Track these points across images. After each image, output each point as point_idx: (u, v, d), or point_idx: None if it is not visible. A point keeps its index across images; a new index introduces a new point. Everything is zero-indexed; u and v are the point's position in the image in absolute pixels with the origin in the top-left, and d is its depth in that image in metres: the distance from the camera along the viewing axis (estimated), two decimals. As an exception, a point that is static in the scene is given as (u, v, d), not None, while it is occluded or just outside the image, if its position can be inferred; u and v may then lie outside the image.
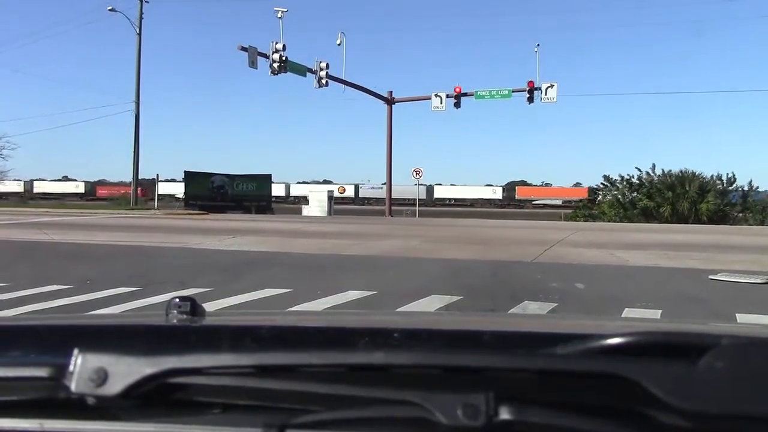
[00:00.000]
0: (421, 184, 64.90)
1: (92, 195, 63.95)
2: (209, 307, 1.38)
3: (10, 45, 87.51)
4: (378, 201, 58.95)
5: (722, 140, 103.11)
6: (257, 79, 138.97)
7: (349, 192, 63.98)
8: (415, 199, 58.05)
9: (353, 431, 0.70)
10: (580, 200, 38.80)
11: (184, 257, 10.48)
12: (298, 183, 66.84)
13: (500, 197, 63.64)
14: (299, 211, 31.49)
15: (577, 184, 61.88)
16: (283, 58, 25.37)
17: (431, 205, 57.46)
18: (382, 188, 64.08)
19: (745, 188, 26.66)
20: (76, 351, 0.74)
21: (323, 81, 27.33)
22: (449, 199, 63.58)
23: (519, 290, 7.09)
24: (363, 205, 57.29)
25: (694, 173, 26.63)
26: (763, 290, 7.46)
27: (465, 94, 28.93)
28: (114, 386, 0.71)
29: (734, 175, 26.73)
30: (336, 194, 61.70)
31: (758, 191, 27.10)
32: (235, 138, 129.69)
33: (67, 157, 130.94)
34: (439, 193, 65.10)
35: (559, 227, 19.84)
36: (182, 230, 15.57)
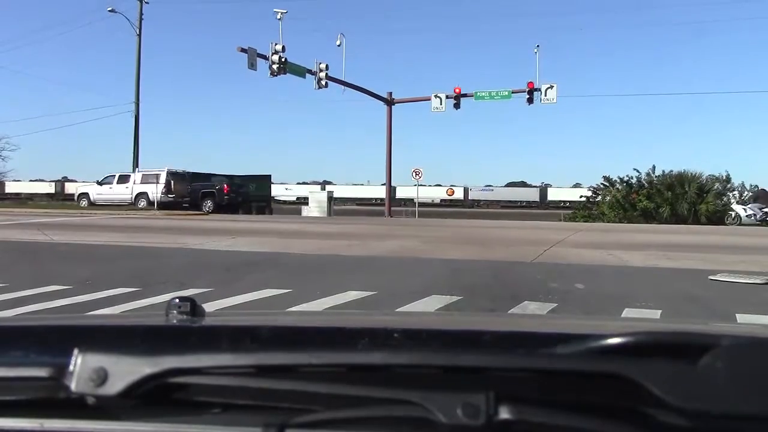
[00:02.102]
0: (533, 186, 63.22)
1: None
2: (209, 307, 1.38)
3: (10, 45, 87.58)
4: (489, 203, 57.51)
5: (722, 141, 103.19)
6: (257, 80, 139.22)
7: (458, 194, 61.89)
8: (527, 201, 55.77)
9: (353, 431, 0.70)
10: None
11: (183, 258, 10.48)
12: (298, 183, 66.54)
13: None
14: (299, 212, 31.50)
15: (577, 185, 61.72)
16: (283, 60, 25.39)
17: (544, 207, 55.08)
18: (493, 190, 62.11)
19: (740, 188, 26.73)
20: (76, 351, 0.74)
21: (323, 82, 27.35)
22: (563, 202, 59.05)
23: (519, 290, 7.09)
24: (472, 207, 54.66)
25: (692, 174, 26.67)
26: (762, 290, 7.46)
27: (465, 95, 28.96)
28: (114, 386, 0.71)
29: (728, 175, 26.82)
30: (444, 196, 60.50)
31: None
32: (234, 139, 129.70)
33: (67, 158, 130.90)
34: (553, 195, 62.10)
35: (558, 228, 19.85)
36: (182, 231, 15.57)
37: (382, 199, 58.95)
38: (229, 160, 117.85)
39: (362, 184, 67.28)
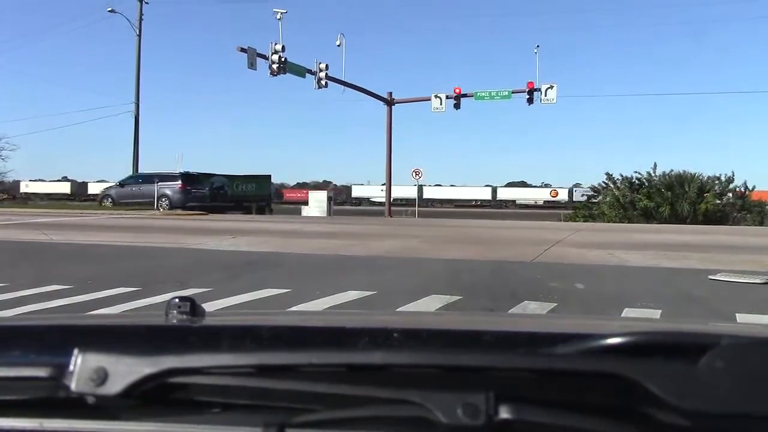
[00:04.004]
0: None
1: (278, 199, 63.08)
2: (209, 307, 1.38)
3: (10, 45, 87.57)
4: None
5: (722, 141, 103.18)
6: (257, 80, 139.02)
7: (563, 195, 59.95)
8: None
9: (353, 430, 0.70)
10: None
11: (183, 257, 10.48)
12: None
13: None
14: (299, 212, 31.50)
15: (577, 185, 61.68)
16: (283, 59, 25.38)
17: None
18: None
19: (742, 188, 26.67)
20: (76, 351, 0.74)
21: (323, 82, 27.34)
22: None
23: (519, 290, 7.09)
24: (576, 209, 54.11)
25: (692, 174, 26.67)
26: (762, 290, 7.46)
27: (465, 95, 28.95)
28: (114, 386, 0.71)
29: (733, 175, 26.78)
30: (548, 198, 59.20)
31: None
32: (234, 138, 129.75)
33: (67, 158, 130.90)
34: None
35: (558, 227, 19.84)
36: (182, 230, 15.56)
37: (482, 201, 58.12)
38: (230, 159, 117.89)
39: (457, 185, 65.17)
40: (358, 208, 52.68)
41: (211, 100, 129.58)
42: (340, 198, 62.42)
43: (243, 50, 24.70)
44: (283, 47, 25.39)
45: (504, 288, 7.38)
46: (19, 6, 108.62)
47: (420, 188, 65.23)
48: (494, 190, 62.02)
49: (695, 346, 0.70)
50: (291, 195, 58.79)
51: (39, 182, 63.20)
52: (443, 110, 29.22)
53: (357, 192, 65.83)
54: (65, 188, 63.51)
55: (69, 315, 4.74)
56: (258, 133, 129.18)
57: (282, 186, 65.22)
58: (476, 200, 59.32)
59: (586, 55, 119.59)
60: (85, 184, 62.68)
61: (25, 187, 61.03)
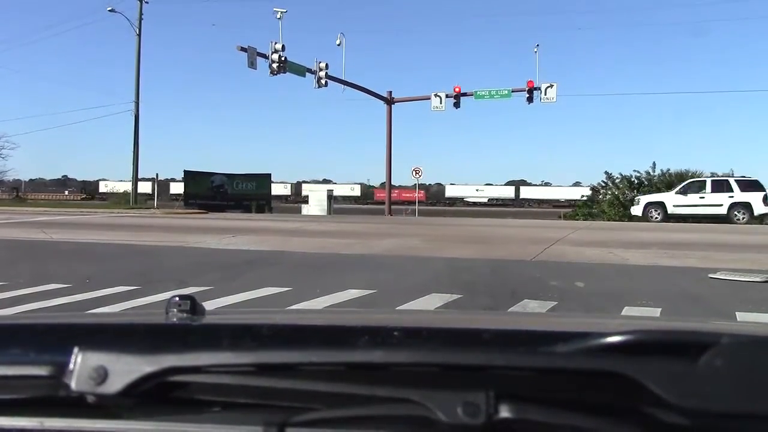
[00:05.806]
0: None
1: (370, 199, 62.20)
2: (209, 305, 1.38)
3: (10, 45, 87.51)
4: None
5: (722, 140, 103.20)
6: (257, 80, 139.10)
7: None
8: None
9: (353, 429, 0.70)
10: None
11: (183, 256, 10.47)
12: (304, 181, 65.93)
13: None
14: (299, 211, 31.50)
15: (577, 184, 61.67)
16: (283, 59, 25.38)
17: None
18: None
19: None
20: (76, 349, 0.74)
21: (323, 81, 27.33)
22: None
23: (519, 288, 7.09)
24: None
25: (693, 172, 26.68)
26: (762, 289, 7.46)
27: (464, 94, 28.94)
28: (114, 384, 0.71)
29: (733, 173, 26.75)
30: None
31: None
32: (235, 138, 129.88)
33: (67, 157, 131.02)
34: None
35: (558, 226, 19.84)
36: (182, 229, 15.56)
37: (572, 201, 58.09)
38: (230, 159, 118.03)
39: (551, 184, 65.69)
40: (357, 207, 52.51)
41: (212, 99, 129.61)
42: (434, 198, 62.34)
43: (243, 49, 24.69)
44: (283, 46, 25.39)
45: (504, 286, 7.38)
46: (20, 5, 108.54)
47: (517, 188, 65.35)
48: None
49: (695, 345, 0.69)
50: (382, 195, 58.36)
51: (119, 182, 62.39)
52: (443, 109, 29.21)
53: (450, 192, 65.96)
54: (146, 188, 63.02)
55: (69, 313, 4.74)
56: (258, 132, 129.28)
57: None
58: (567, 200, 59.67)
59: (586, 54, 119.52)
60: (167, 183, 61.84)
61: (105, 187, 60.63)
